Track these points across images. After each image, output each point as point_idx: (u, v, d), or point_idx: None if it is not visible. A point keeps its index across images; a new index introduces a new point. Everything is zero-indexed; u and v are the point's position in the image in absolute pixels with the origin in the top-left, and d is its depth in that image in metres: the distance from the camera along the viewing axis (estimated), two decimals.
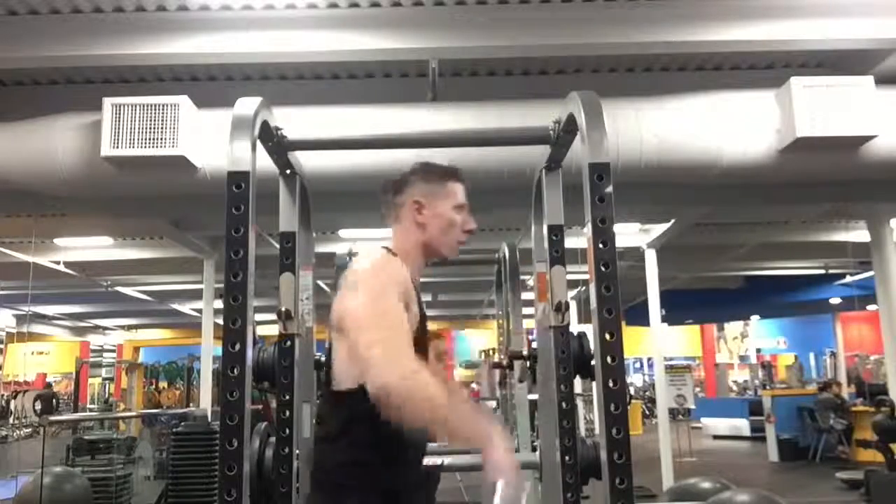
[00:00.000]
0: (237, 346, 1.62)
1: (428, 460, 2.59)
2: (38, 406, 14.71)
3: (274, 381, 2.15)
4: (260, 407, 7.99)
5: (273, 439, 2.13)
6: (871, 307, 11.11)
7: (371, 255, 1.70)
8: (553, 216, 2.32)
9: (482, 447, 1.43)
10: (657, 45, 3.84)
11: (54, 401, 16.04)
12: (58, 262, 8.48)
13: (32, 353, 18.94)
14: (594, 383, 1.72)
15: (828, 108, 3.88)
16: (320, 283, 7.86)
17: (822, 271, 10.66)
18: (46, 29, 3.69)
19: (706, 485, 4.80)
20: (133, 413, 13.61)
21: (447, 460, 2.83)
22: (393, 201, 1.81)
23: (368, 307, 1.51)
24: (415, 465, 1.70)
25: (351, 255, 4.30)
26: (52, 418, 10.76)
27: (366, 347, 1.44)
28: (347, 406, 1.58)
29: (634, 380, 20.84)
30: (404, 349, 1.45)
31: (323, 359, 2.62)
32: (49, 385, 18.15)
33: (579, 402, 10.92)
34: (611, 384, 1.64)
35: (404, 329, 1.50)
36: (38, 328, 17.12)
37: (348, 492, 1.56)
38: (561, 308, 2.19)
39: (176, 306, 13.82)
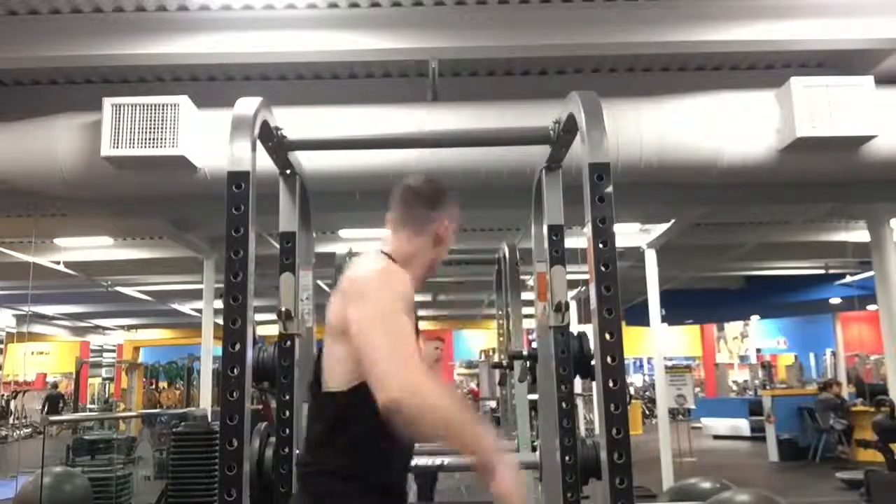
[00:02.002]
0: (237, 346, 1.62)
1: (428, 460, 2.60)
2: (46, 407, 14.75)
3: (274, 381, 2.15)
4: (260, 407, 8.00)
5: (273, 439, 2.13)
6: (871, 307, 11.11)
7: (374, 261, 1.66)
8: (553, 216, 2.33)
9: (489, 466, 1.43)
10: (657, 45, 3.85)
11: (61, 402, 16.09)
12: (58, 262, 8.47)
13: (32, 353, 18.95)
14: (594, 383, 1.72)
15: (828, 108, 3.88)
16: (320, 283, 7.86)
17: (822, 271, 10.66)
18: (46, 29, 3.69)
19: (706, 485, 4.81)
20: (133, 413, 13.61)
21: (447, 460, 2.84)
22: (426, 213, 1.73)
23: (377, 321, 1.48)
24: (402, 469, 1.70)
25: (351, 254, 4.30)
26: (53, 418, 10.78)
27: (374, 362, 1.42)
28: (340, 407, 1.57)
29: (634, 380, 20.84)
30: (414, 363, 1.44)
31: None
32: (55, 385, 18.17)
33: (579, 402, 10.94)
34: (611, 384, 1.64)
35: (412, 342, 1.49)
36: (38, 328, 17.12)
37: (338, 496, 1.56)
38: (561, 308, 2.19)
39: (176, 306, 13.82)
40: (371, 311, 1.49)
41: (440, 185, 1.78)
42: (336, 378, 1.57)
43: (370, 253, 1.70)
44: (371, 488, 1.56)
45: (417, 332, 1.67)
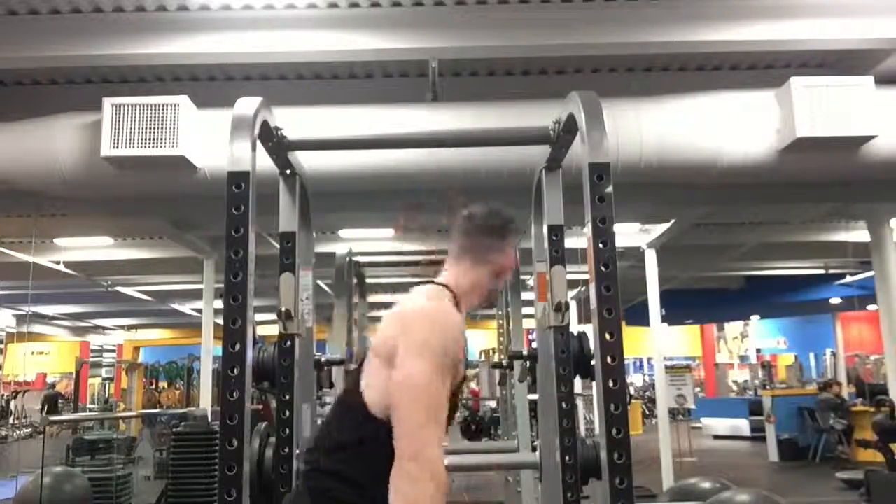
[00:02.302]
0: (237, 346, 1.62)
1: None
2: (45, 408, 14.75)
3: (274, 381, 2.15)
4: (260, 407, 7.99)
5: (273, 439, 2.12)
6: (871, 307, 11.11)
7: (432, 294, 1.63)
8: (553, 216, 2.32)
9: None
10: (657, 45, 3.85)
11: (59, 402, 16.11)
12: (58, 262, 8.48)
13: (32, 353, 18.95)
14: (594, 383, 1.72)
15: (828, 108, 3.88)
16: (320, 283, 7.86)
17: (822, 271, 10.66)
18: (46, 29, 3.69)
19: (706, 485, 4.80)
20: (133, 413, 13.61)
21: (447, 460, 2.83)
22: (491, 243, 1.72)
23: (417, 389, 1.47)
24: None
25: (351, 254, 4.29)
26: (53, 418, 10.77)
27: (400, 434, 1.46)
28: (371, 427, 1.57)
29: (634, 380, 20.85)
30: (436, 445, 1.47)
31: (323, 359, 2.63)
32: (52, 386, 18.19)
33: (579, 402, 10.93)
34: (611, 384, 1.64)
35: (443, 418, 1.51)
36: (38, 328, 17.12)
37: (340, 500, 1.56)
38: (561, 308, 2.19)
39: (176, 306, 13.82)
40: (422, 368, 1.48)
41: (507, 216, 1.75)
42: (377, 399, 1.56)
43: (430, 286, 1.66)
44: (372, 501, 1.56)
45: (463, 378, 1.66)
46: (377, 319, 1.79)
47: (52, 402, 15.44)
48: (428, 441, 1.45)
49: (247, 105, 1.83)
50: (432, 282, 1.69)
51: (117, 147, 3.90)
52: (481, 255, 1.70)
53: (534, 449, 2.64)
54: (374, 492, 1.51)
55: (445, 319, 1.55)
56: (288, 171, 2.27)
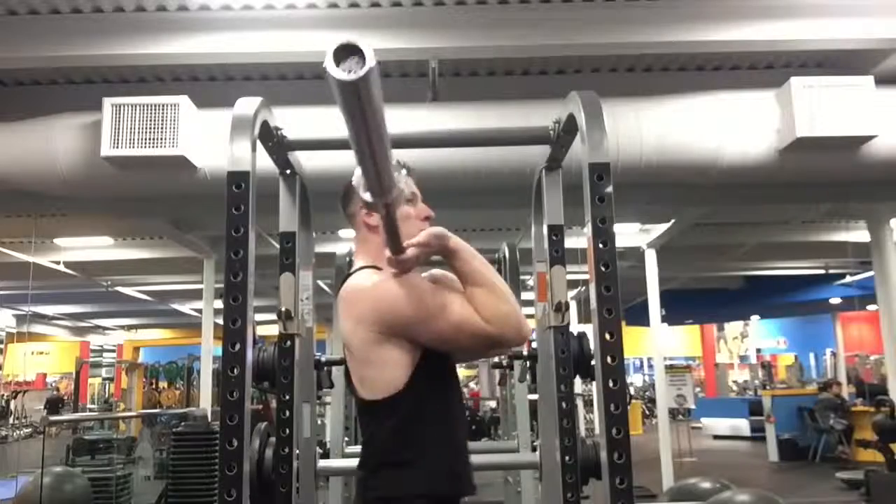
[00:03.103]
0: (237, 346, 1.62)
1: None
2: (46, 408, 14.76)
3: (274, 381, 2.15)
4: (260, 407, 7.99)
5: (273, 439, 2.12)
6: (871, 307, 11.11)
7: (359, 278, 1.69)
8: (553, 216, 2.32)
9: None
10: (657, 45, 3.85)
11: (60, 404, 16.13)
12: (58, 262, 8.47)
13: (32, 353, 18.94)
14: (594, 383, 1.72)
15: (828, 108, 3.88)
16: (320, 283, 7.85)
17: (822, 271, 10.65)
18: (46, 29, 3.69)
19: (706, 485, 4.81)
20: (133, 413, 13.61)
21: None
22: (346, 214, 1.86)
23: (415, 298, 1.58)
24: (466, 467, 1.70)
25: (351, 254, 4.29)
26: (53, 418, 10.76)
27: (467, 313, 1.59)
28: (391, 416, 1.59)
29: (634, 380, 20.85)
30: (458, 310, 1.60)
31: (323, 359, 2.63)
32: (57, 388, 18.19)
33: (579, 402, 10.93)
34: (611, 384, 1.64)
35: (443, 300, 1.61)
36: (38, 328, 17.11)
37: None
38: (561, 308, 2.18)
39: (176, 306, 13.82)
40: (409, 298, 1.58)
41: (346, 183, 1.82)
42: (379, 384, 1.62)
43: (359, 274, 1.72)
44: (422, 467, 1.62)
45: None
46: None
47: (54, 405, 15.45)
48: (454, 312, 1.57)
49: (247, 105, 1.82)
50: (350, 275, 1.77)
51: (117, 147, 3.89)
52: (355, 222, 1.84)
53: (534, 449, 2.64)
54: (422, 458, 1.58)
55: (366, 287, 1.65)
56: (288, 171, 2.27)
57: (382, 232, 1.58)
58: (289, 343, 2.16)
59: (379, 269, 1.68)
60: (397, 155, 1.32)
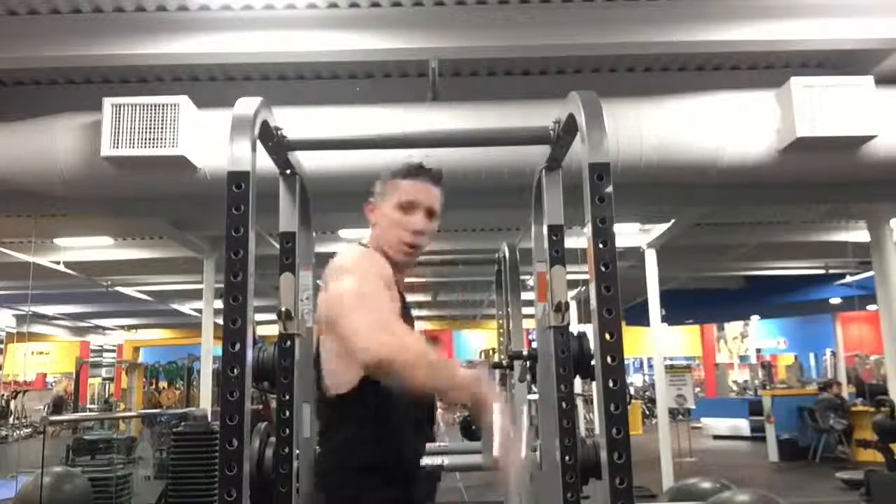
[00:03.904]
0: (237, 346, 1.62)
1: (428, 460, 2.59)
2: (48, 409, 14.77)
3: (274, 381, 2.15)
4: (260, 407, 7.99)
5: (273, 439, 2.12)
6: (871, 307, 11.10)
7: (350, 251, 1.77)
8: (553, 216, 2.32)
9: (473, 391, 1.44)
10: (657, 45, 3.85)
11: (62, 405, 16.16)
12: (58, 262, 8.48)
13: (32, 353, 18.94)
14: (594, 383, 1.72)
15: (828, 108, 3.88)
16: (320, 283, 7.83)
17: (822, 271, 10.65)
18: (46, 29, 3.69)
19: (706, 485, 4.81)
20: (133, 413, 13.61)
21: (447, 460, 2.84)
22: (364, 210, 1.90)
23: (353, 291, 1.53)
24: (417, 468, 1.72)
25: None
26: (53, 418, 10.77)
27: (351, 328, 1.45)
28: (349, 409, 1.59)
29: (634, 380, 20.83)
30: (390, 320, 1.47)
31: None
32: (66, 391, 18.21)
33: (579, 402, 10.93)
34: (611, 384, 1.64)
35: (389, 306, 1.52)
36: (38, 328, 17.12)
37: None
38: (561, 308, 2.18)
39: (176, 306, 13.82)
40: (347, 284, 1.55)
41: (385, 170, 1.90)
42: (341, 378, 1.63)
43: (352, 247, 1.83)
44: (391, 493, 1.66)
45: (410, 319, 1.77)
46: None
47: (57, 405, 15.47)
48: (380, 324, 1.43)
49: (247, 105, 1.82)
50: None
51: (117, 147, 3.90)
52: (369, 214, 1.86)
53: (534, 449, 2.64)
54: (378, 462, 1.61)
55: (362, 254, 1.73)
56: (288, 171, 2.27)
57: (378, 226, 1.77)
58: (289, 343, 2.16)
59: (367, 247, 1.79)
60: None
